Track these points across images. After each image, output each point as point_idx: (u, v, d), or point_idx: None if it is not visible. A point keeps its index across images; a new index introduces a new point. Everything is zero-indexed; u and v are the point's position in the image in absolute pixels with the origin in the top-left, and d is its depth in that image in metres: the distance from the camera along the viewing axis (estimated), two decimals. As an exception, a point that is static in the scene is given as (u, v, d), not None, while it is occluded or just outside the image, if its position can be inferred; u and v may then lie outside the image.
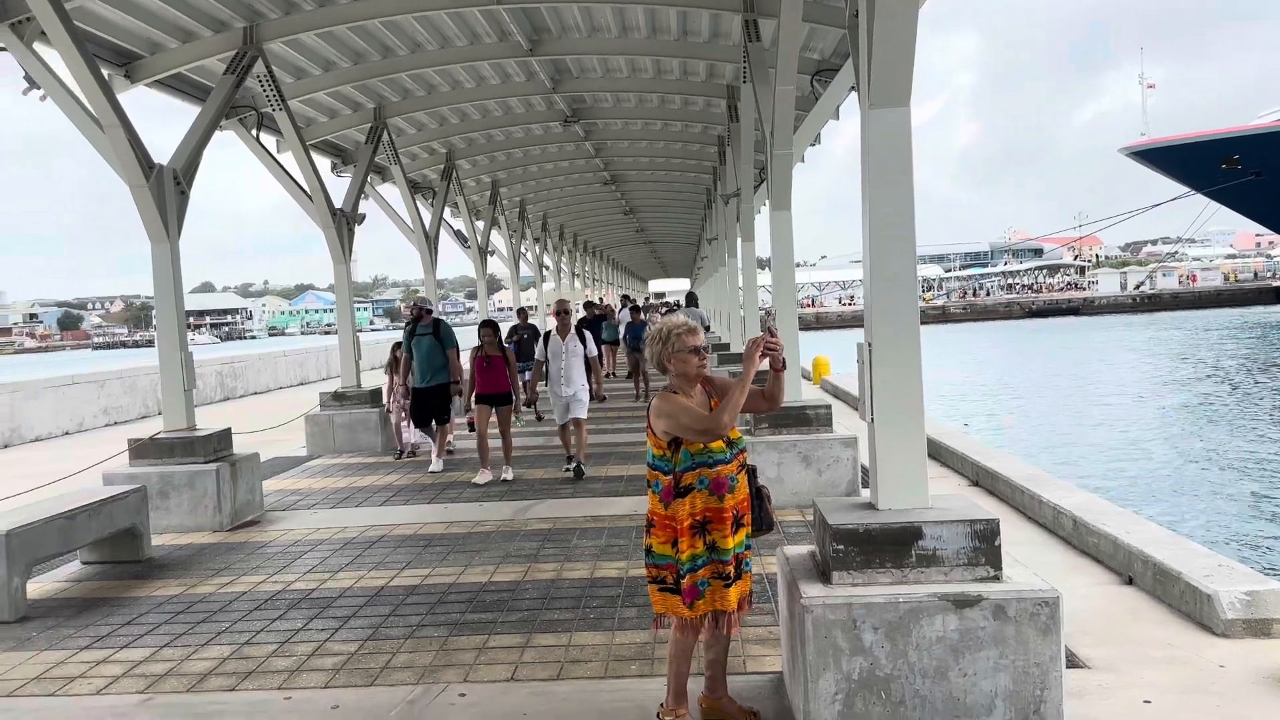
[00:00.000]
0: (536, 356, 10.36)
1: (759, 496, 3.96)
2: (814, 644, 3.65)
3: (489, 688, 4.54)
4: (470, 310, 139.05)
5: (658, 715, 3.98)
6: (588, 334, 10.31)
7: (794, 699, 4.00)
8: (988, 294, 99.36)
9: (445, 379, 10.75)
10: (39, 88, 8.22)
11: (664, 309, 38.87)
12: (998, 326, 69.02)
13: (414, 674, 4.74)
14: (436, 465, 10.77)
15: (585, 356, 10.08)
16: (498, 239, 24.99)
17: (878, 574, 3.80)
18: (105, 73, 8.38)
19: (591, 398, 10.27)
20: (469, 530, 7.77)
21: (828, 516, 3.91)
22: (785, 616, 4.15)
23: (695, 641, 3.89)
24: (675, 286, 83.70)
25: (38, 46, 7.98)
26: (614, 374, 19.62)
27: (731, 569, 3.78)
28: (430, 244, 17.44)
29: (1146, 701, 4.14)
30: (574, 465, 9.76)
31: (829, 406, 8.24)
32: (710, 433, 3.72)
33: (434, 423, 10.91)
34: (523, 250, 28.01)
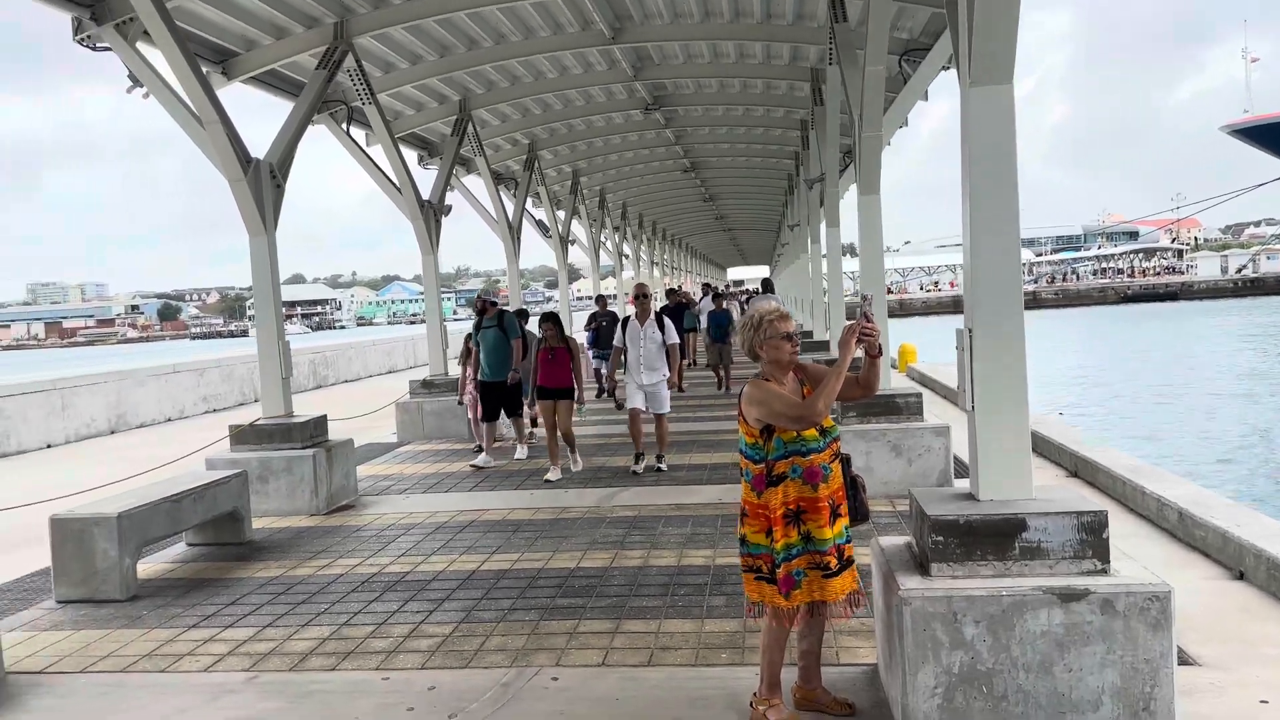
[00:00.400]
0: (615, 343, 10.00)
1: (854, 486, 3.89)
2: (912, 636, 3.58)
3: (581, 672, 4.57)
4: (550, 300, 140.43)
5: (750, 704, 3.95)
6: (668, 320, 9.91)
7: (890, 691, 3.93)
8: (1078, 279, 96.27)
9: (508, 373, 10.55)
10: (142, 86, 8.53)
11: (744, 296, 38.67)
12: (1091, 312, 66.85)
13: (507, 657, 4.81)
14: (521, 453, 10.78)
15: (665, 344, 9.69)
16: (578, 228, 25.13)
17: (979, 566, 3.70)
18: (204, 70, 8.64)
19: (670, 387, 9.92)
20: (555, 516, 7.85)
21: (925, 507, 3.83)
22: (881, 608, 4.09)
23: (790, 631, 3.85)
24: (753, 274, 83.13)
25: (141, 46, 8.27)
26: (695, 362, 19.55)
27: (832, 560, 3.72)
28: (513, 234, 17.63)
29: (1264, 702, 3.96)
30: (646, 462, 9.44)
31: (919, 394, 8.07)
32: (804, 419, 3.67)
33: (505, 415, 10.77)
34: (602, 239, 28.13)
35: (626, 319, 9.92)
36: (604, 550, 6.73)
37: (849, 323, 3.73)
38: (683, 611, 5.34)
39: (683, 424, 12.52)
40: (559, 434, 9.51)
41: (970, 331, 3.94)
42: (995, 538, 3.71)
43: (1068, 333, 47.17)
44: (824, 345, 14.24)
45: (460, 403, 12.02)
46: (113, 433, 15.69)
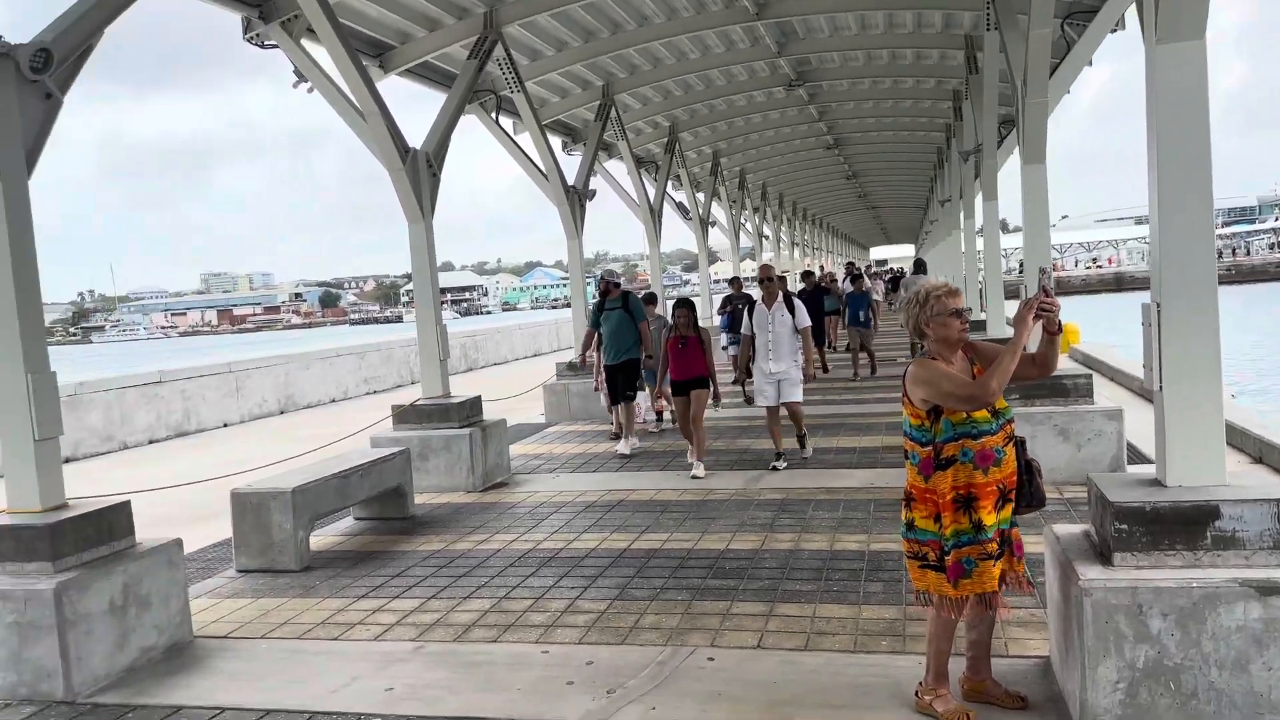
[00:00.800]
0: (742, 330, 9.15)
1: (1029, 470, 3.70)
2: (1093, 629, 3.39)
3: (737, 654, 4.55)
4: (688, 283, 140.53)
5: (916, 693, 3.84)
6: (798, 303, 9.07)
7: (1066, 685, 3.74)
8: (1249, 254, 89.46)
9: (635, 355, 10.29)
10: (306, 81, 8.96)
11: (887, 275, 37.60)
12: (1268, 289, 62.01)
13: (661, 635, 4.83)
14: (624, 447, 10.05)
15: (796, 328, 8.89)
16: (717, 210, 25.01)
17: (1166, 556, 3.47)
18: (363, 63, 8.98)
19: (806, 378, 9.08)
20: (702, 498, 7.84)
21: (1107, 493, 3.61)
22: (1057, 599, 3.89)
23: (958, 621, 3.71)
24: (898, 253, 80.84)
25: (305, 42, 8.68)
26: (834, 345, 19.09)
27: (993, 546, 3.57)
28: (654, 217, 17.69)
29: None
30: (781, 459, 8.78)
31: (1089, 375, 7.66)
32: (975, 400, 3.51)
33: (623, 400, 10.36)
34: (742, 220, 27.90)
35: (752, 304, 9.28)
36: (753, 533, 6.67)
37: (1026, 298, 3.54)
38: (838, 596, 5.24)
39: (829, 407, 12.31)
40: (694, 430, 8.89)
41: (1158, 306, 3.69)
42: (1185, 526, 3.47)
43: (1241, 310, 43.89)
44: (980, 325, 13.71)
45: (597, 389, 11.61)
46: (282, 413, 16.63)
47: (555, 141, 15.28)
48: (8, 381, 4.73)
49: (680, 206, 21.93)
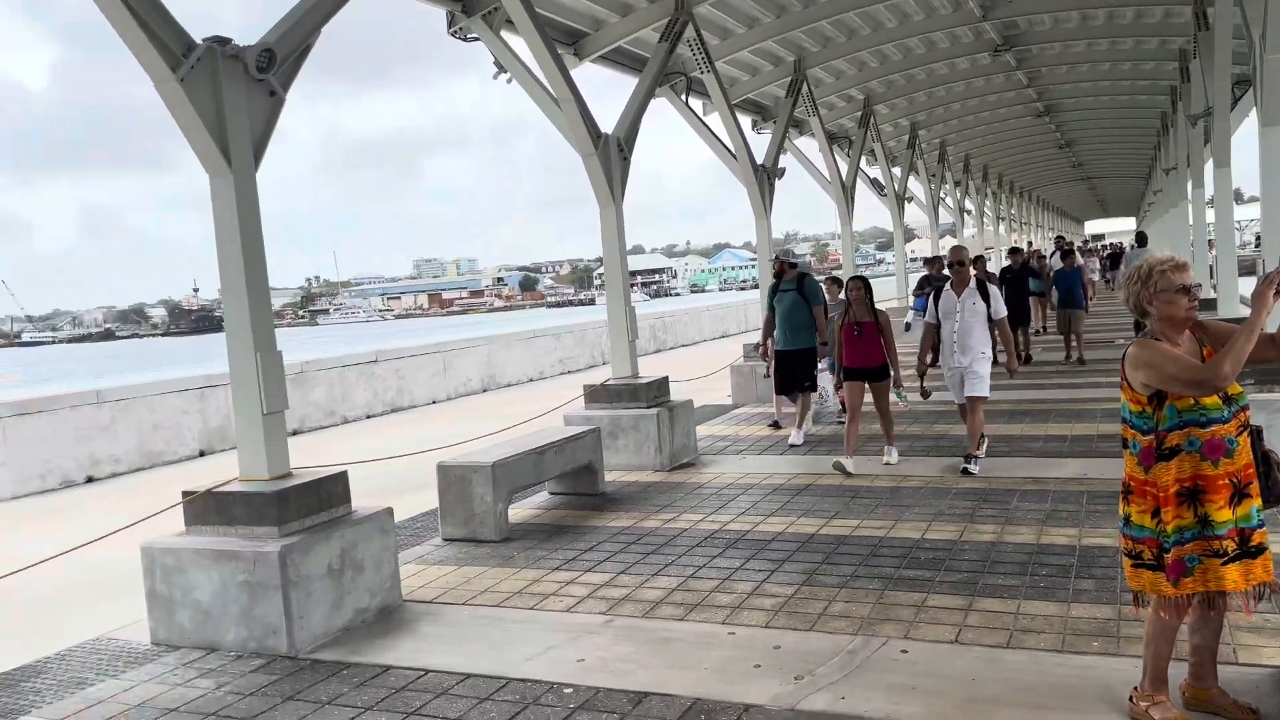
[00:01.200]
0: (926, 318, 8.33)
1: (1266, 462, 3.34)
2: (1346, 642, 3.02)
3: (932, 648, 4.37)
4: (881, 262, 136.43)
5: (1130, 699, 3.56)
6: (994, 290, 8.10)
7: (1311, 703, 3.36)
8: None
9: (809, 341, 9.64)
10: (505, 71, 9.26)
11: (1105, 252, 35.07)
12: None
13: (851, 624, 4.71)
14: (797, 438, 9.52)
15: (991, 317, 7.95)
16: (915, 185, 24.10)
17: None
18: (559, 51, 9.19)
19: (1008, 372, 8.28)
20: (895, 484, 7.58)
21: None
22: (1299, 605, 3.49)
23: (1179, 623, 3.40)
24: (1117, 227, 75.28)
25: (504, 34, 8.97)
26: (1043, 329, 17.90)
27: (1230, 544, 3.23)
28: (846, 194, 17.24)
29: None
30: (973, 461, 7.80)
31: (1340, 359, 6.83)
32: (1205, 385, 3.19)
33: (798, 390, 9.76)
34: (942, 195, 26.76)
35: (938, 289, 8.38)
36: (951, 523, 6.39)
37: (1265, 273, 3.17)
38: (1044, 593, 4.93)
39: (1037, 391, 11.63)
40: (880, 419, 8.36)
41: None
42: None
43: None
44: (1210, 304, 12.55)
45: (767, 375, 11.19)
46: (484, 391, 17.42)
47: (744, 120, 15.15)
48: (240, 360, 5.16)
49: (875, 182, 21.28)
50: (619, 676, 4.26)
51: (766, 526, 6.61)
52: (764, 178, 12.98)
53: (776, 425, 10.37)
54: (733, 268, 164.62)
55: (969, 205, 31.55)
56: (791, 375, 9.74)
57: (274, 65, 5.12)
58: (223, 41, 4.98)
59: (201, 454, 11.91)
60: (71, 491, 10.17)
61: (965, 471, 7.74)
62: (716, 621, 4.88)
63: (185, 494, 5.19)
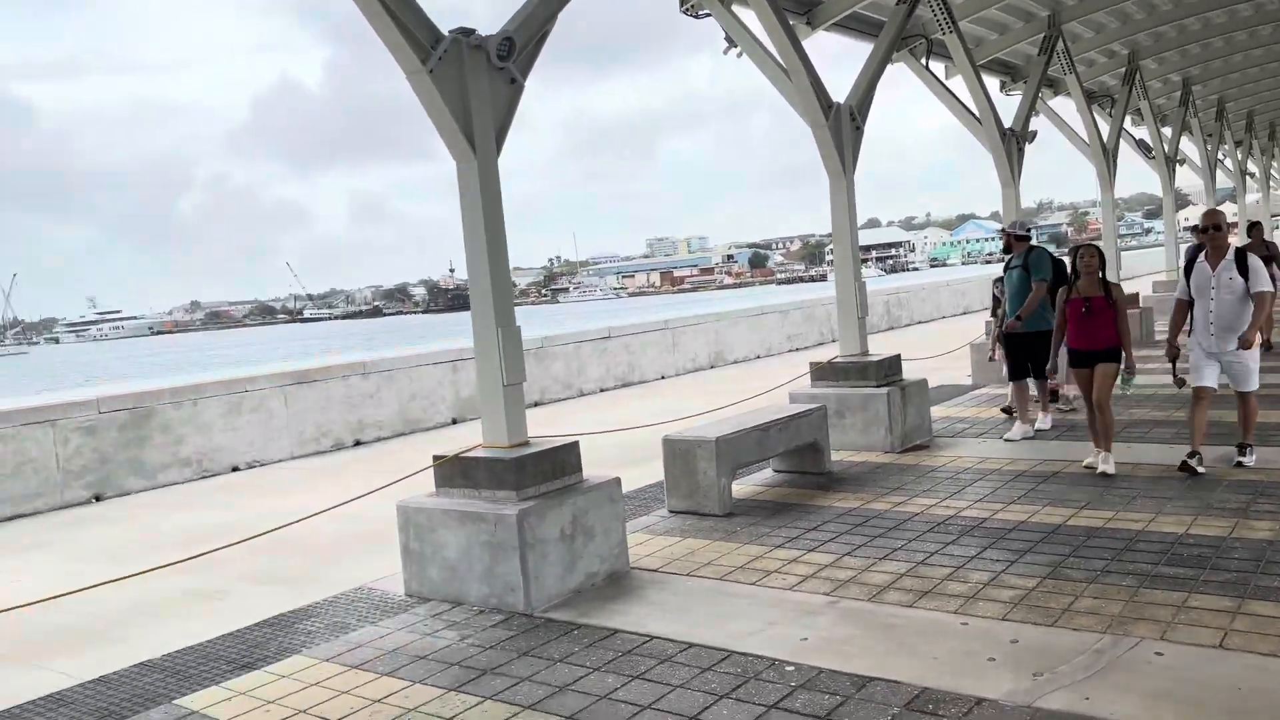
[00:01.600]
0: (1176, 294, 7.33)
1: None
2: None
3: (1191, 651, 3.98)
4: (1150, 231, 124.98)
5: None
6: (1255, 261, 6.97)
7: None
8: None
9: (1042, 323, 8.49)
10: (736, 46, 9.23)
11: None
12: None
13: (1099, 622, 4.37)
14: (1015, 434, 8.64)
15: (1250, 292, 6.83)
16: (1188, 146, 21.87)
17: None
18: (790, 22, 9.03)
19: (1266, 348, 7.00)
20: (1158, 474, 6.95)
21: None
22: None
23: None
24: None
25: (735, 8, 8.92)
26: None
27: None
28: (1107, 158, 15.93)
29: None
30: (1196, 459, 6.86)
31: None
32: None
33: (1032, 377, 8.82)
34: (1220, 156, 24.14)
35: (1190, 262, 7.27)
36: (1221, 517, 5.79)
37: None
38: (1333, 600, 4.37)
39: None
40: (1098, 414, 7.22)
41: None
42: None
43: None
44: None
45: (992, 359, 10.44)
46: (711, 367, 17.58)
47: (991, 82, 14.29)
48: (483, 334, 5.47)
49: (1141, 144, 19.51)
50: (842, 658, 4.18)
51: (1006, 515, 6.26)
52: (1012, 142, 12.21)
53: (1009, 411, 9.60)
54: (977, 240, 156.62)
55: (1252, 167, 28.25)
56: (1023, 359, 8.76)
57: (514, 53, 5.35)
58: (467, 32, 5.26)
59: (454, 421, 12.77)
60: (341, 453, 11.21)
61: (1239, 464, 6.96)
62: (948, 611, 4.68)
63: (435, 458, 5.58)
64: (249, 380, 10.91)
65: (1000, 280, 9.63)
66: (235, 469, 10.43)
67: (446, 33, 5.19)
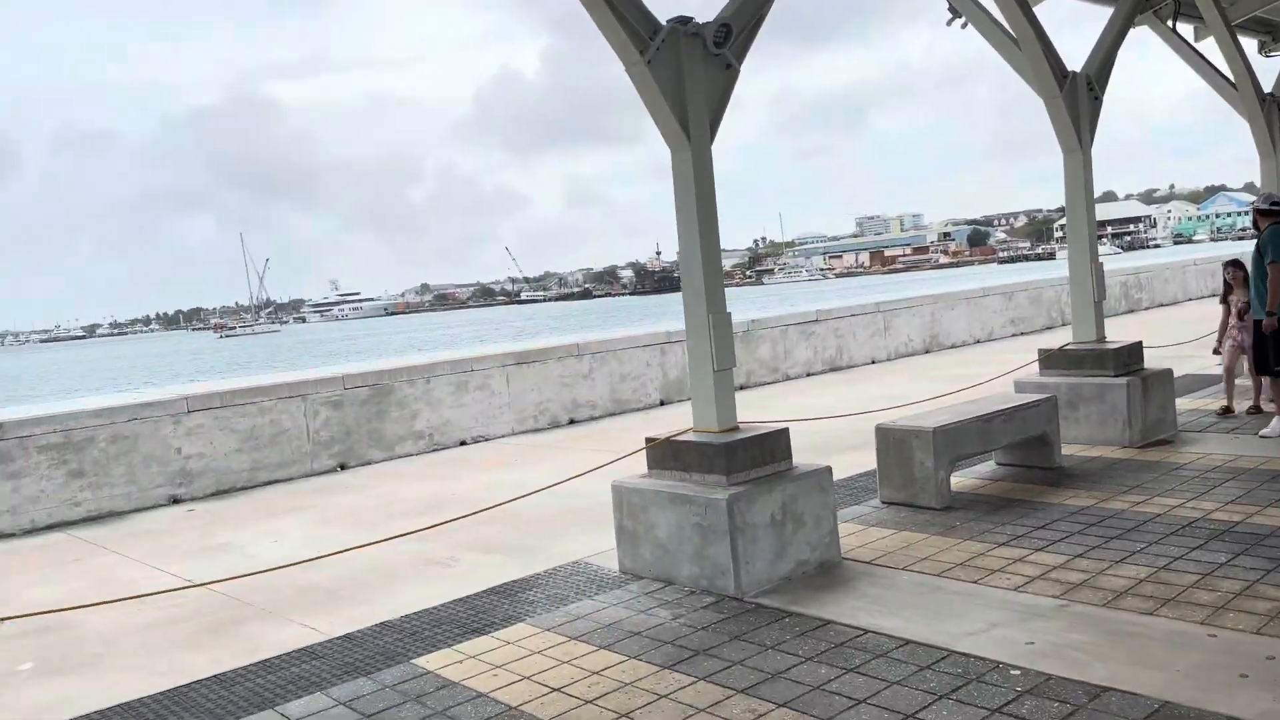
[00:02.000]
0: None
1: None
2: None
3: None
4: None
5: None
6: None
7: None
8: None
9: None
10: (960, 16, 8.80)
11: None
12: None
13: (1379, 646, 3.91)
14: (1272, 429, 7.81)
15: None
16: None
17: None
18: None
19: None
20: None
21: None
22: None
23: None
24: None
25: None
26: None
27: None
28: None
29: None
30: None
31: None
32: None
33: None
34: None
35: None
36: None
37: None
38: None
39: None
40: None
41: None
42: None
43: None
44: None
45: (1216, 351, 9.41)
46: (926, 352, 16.95)
47: (1247, 44, 12.91)
48: (694, 320, 5.53)
49: None
50: (1073, 666, 3.95)
51: (1263, 519, 5.69)
52: (1272, 109, 11.00)
53: (1228, 410, 8.74)
54: (1228, 214, 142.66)
55: None
56: (1264, 349, 7.89)
57: (730, 39, 5.35)
58: (684, 21, 5.30)
59: (661, 403, 13.00)
60: (557, 431, 11.67)
61: None
62: (1193, 621, 4.31)
63: (648, 440, 5.71)
64: (475, 360, 11.54)
65: (1232, 264, 8.97)
66: (462, 443, 11.08)
67: (664, 22, 5.25)
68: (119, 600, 5.32)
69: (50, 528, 8.31)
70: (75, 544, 7.70)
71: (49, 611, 5.55)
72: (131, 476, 8.84)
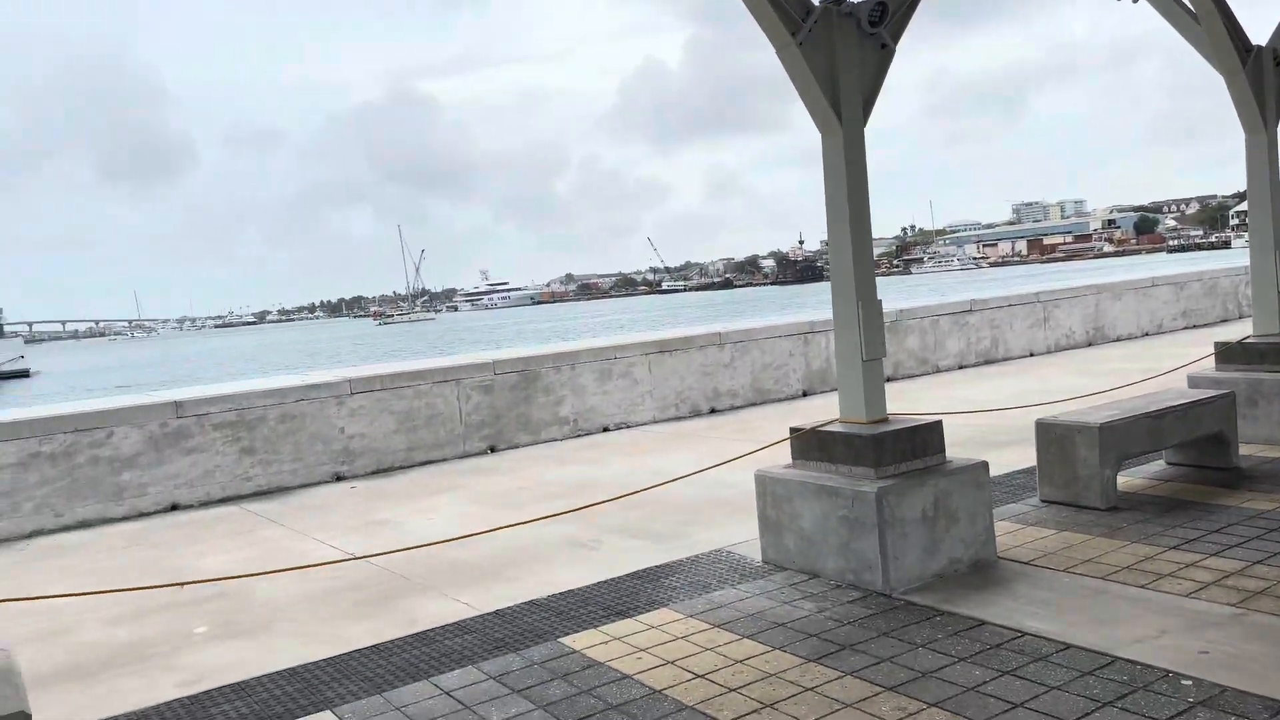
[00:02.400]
0: None
1: None
2: None
3: None
4: None
5: None
6: None
7: None
8: None
9: None
10: (1132, -11, 8.27)
11: None
12: None
13: None
14: None
15: None
16: None
17: None
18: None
19: None
20: None
21: None
22: None
23: None
24: None
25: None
26: None
27: None
28: None
29: None
30: None
31: None
32: None
33: None
34: None
35: None
36: None
37: None
38: None
39: None
40: None
41: None
42: None
43: None
44: None
45: None
46: (1089, 345, 16.11)
47: None
48: (843, 308, 5.42)
49: None
50: (1252, 678, 3.68)
51: None
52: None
53: None
54: None
55: None
56: None
57: (886, 18, 5.20)
58: (838, 1, 5.18)
59: (804, 394, 12.83)
60: (698, 420, 11.68)
61: None
62: (1395, 639, 3.95)
63: (793, 430, 5.64)
64: (617, 348, 11.68)
65: None
66: (605, 429, 11.24)
67: (816, 2, 5.15)
68: (286, 570, 5.64)
69: (224, 500, 8.89)
70: (247, 516, 8.22)
71: (223, 579, 5.96)
72: (298, 454, 9.37)
